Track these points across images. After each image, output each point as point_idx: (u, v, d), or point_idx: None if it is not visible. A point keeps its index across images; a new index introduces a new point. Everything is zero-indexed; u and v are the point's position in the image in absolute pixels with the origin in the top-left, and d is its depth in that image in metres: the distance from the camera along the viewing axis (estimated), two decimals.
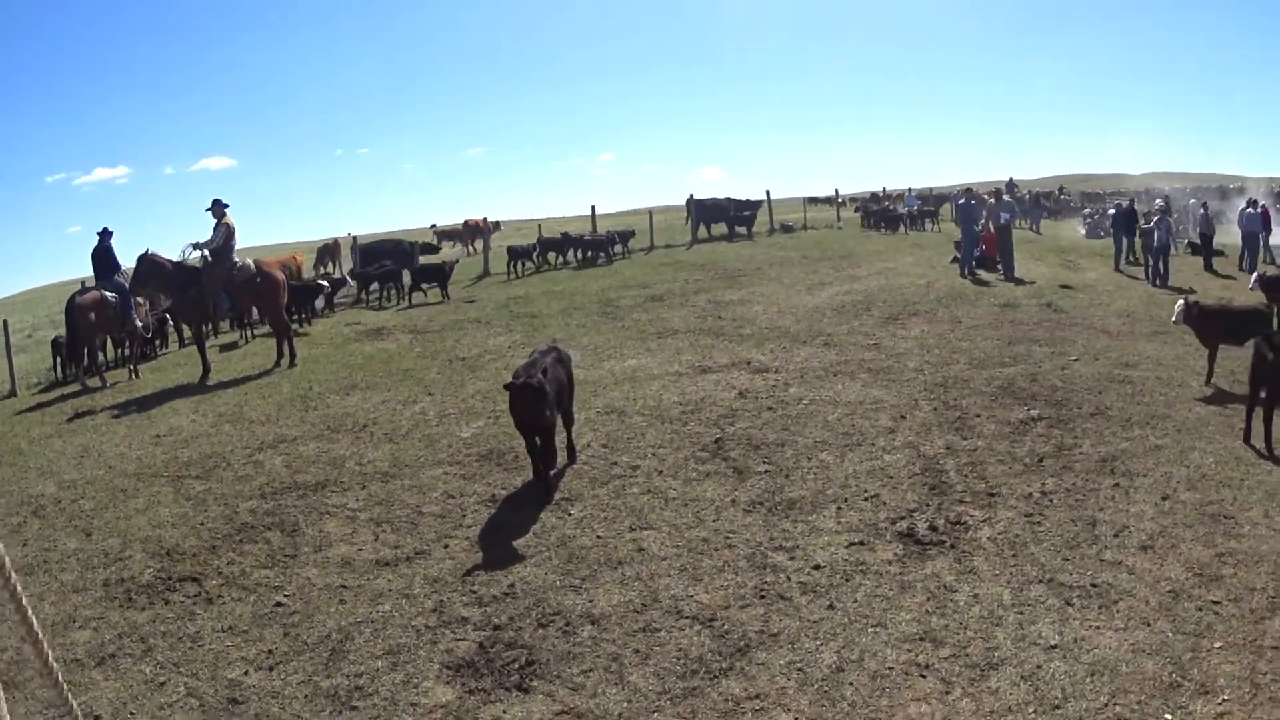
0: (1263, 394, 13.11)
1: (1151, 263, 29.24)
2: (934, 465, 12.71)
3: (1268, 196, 43.88)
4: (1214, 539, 10.36)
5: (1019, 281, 27.71)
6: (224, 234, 20.69)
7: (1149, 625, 8.80)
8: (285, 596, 9.87)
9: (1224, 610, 8.98)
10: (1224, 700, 7.64)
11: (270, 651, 8.90)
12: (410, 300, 30.39)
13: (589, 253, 37.51)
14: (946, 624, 8.94)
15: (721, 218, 44.65)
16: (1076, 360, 17.73)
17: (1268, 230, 32.21)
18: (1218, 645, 8.43)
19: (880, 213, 48.00)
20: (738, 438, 13.80)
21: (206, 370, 20.32)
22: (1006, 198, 33.99)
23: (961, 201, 32.20)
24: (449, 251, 43.59)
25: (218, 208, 20.77)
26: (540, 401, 11.36)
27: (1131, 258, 32.17)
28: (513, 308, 26.72)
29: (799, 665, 8.27)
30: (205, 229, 20.97)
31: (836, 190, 53.99)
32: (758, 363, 18.14)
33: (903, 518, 11.20)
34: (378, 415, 15.92)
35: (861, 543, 10.63)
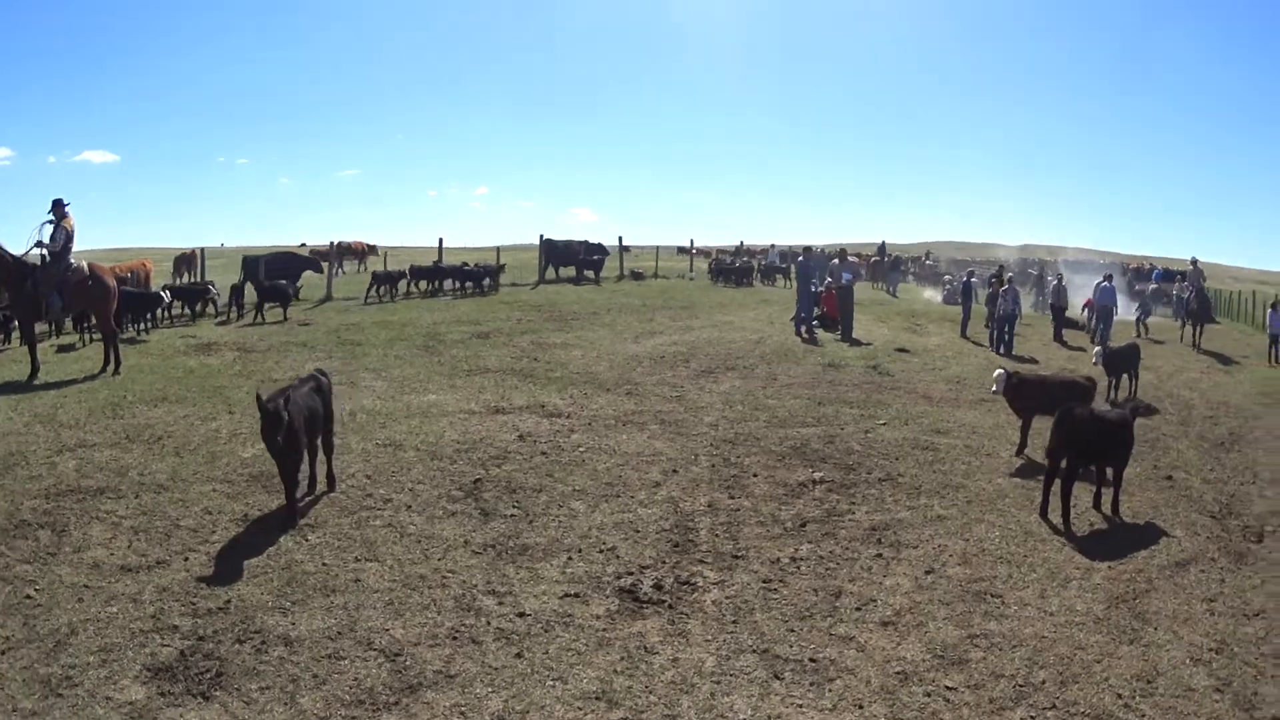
0: (1062, 466, 12.79)
1: (995, 331, 29.47)
2: (687, 523, 12.03)
3: (1119, 275, 44.89)
4: (971, 619, 9.84)
5: (855, 343, 27.45)
6: (64, 237, 20.07)
7: (861, 709, 8.12)
8: (35, 590, 9.94)
9: (957, 697, 8.37)
10: None
11: (7, 639, 8.94)
12: (260, 315, 29.83)
13: (464, 283, 38.30)
14: (631, 686, 8.33)
15: (571, 260, 44.55)
16: (884, 424, 17.29)
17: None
18: None
19: (729, 267, 48.40)
20: (498, 480, 13.41)
21: (35, 369, 19.73)
22: (853, 258, 33.72)
23: (800, 260, 32.07)
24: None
25: (58, 208, 20.05)
26: (275, 428, 11.32)
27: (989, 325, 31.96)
28: (342, 334, 26.09)
29: (463, 709, 7.95)
30: (80, 221, 20.31)
31: (691, 241, 54.31)
32: (552, 407, 17.61)
33: (631, 573, 10.60)
34: (175, 428, 15.75)
35: (577, 595, 10.09)
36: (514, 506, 12.40)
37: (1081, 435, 12.78)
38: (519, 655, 8.76)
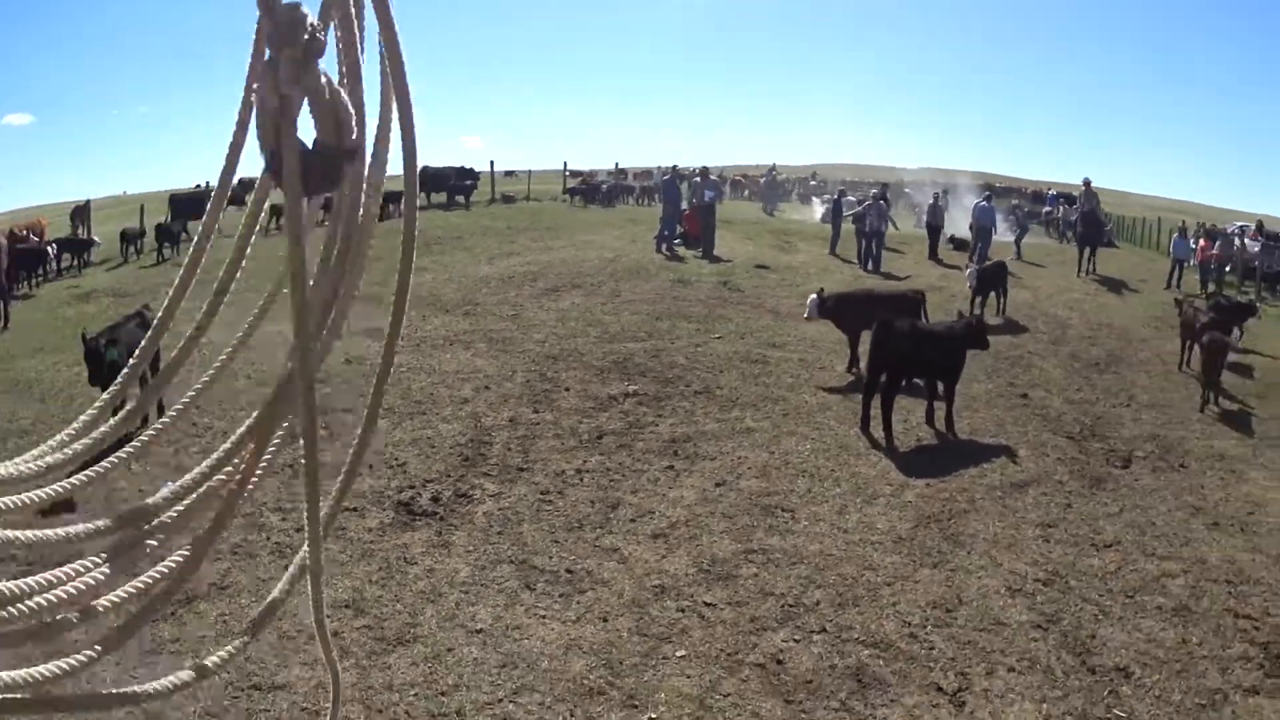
0: (881, 379, 12.78)
1: (862, 246, 29.19)
2: (484, 437, 11.96)
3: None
4: (752, 533, 9.72)
5: (715, 260, 27.14)
6: None
7: (605, 621, 8.05)
8: None
9: (713, 614, 8.28)
10: None
11: None
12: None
13: None
14: (381, 595, 8.37)
15: (443, 186, 43.59)
16: (718, 338, 17.18)
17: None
18: (679, 654, 7.67)
19: (594, 187, 48.18)
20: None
21: None
22: (714, 177, 33.37)
23: (666, 179, 32.03)
24: None
25: None
26: (96, 362, 11.90)
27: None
28: (214, 274, 25.39)
29: (226, 618, 8.01)
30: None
31: (565, 164, 53.51)
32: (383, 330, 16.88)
33: (413, 487, 10.57)
34: (45, 375, 16.03)
35: (356, 509, 10.04)
36: (321, 428, 12.05)
37: (901, 348, 12.76)
38: (286, 568, 8.53)
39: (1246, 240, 38.14)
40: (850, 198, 31.96)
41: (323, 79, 1.36)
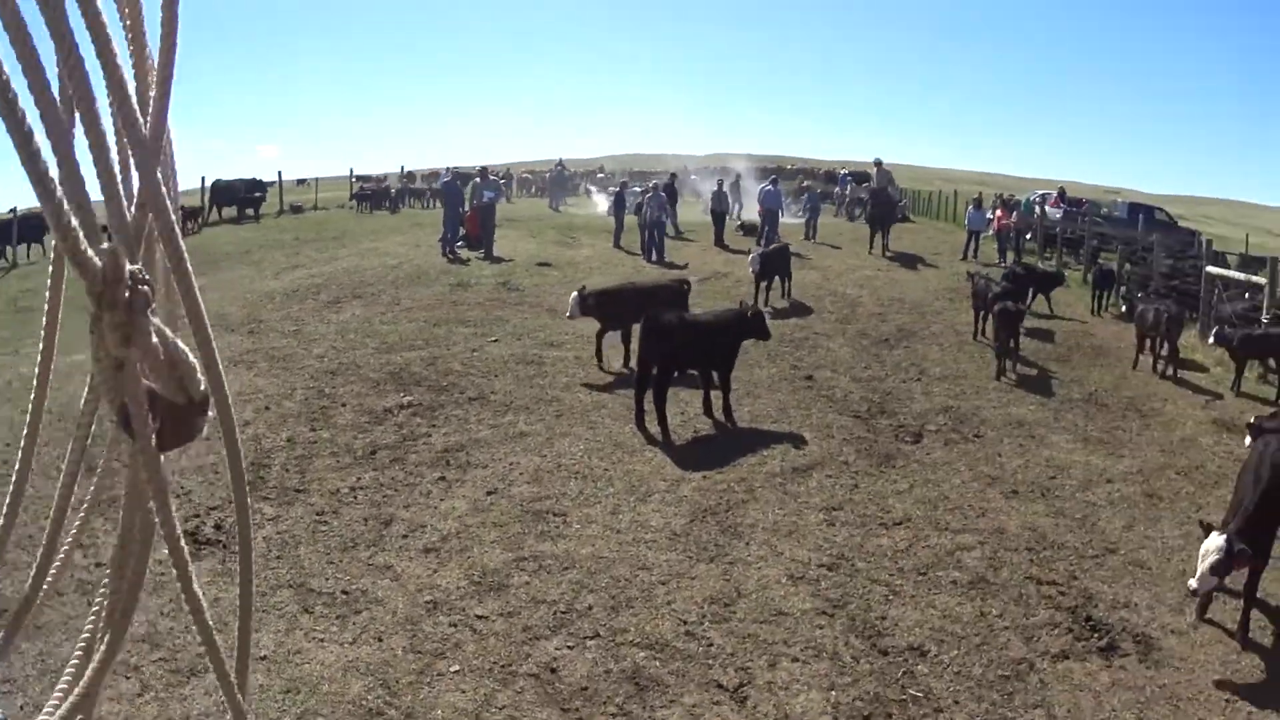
0: (652, 372, 13.05)
1: (645, 237, 29.48)
2: (263, 459, 11.96)
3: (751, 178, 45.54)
4: (524, 541, 9.96)
5: (497, 260, 27.35)
6: None
7: (380, 641, 8.27)
8: None
9: (486, 626, 8.52)
10: None
11: None
12: None
13: None
14: (173, 627, 8.24)
15: (233, 199, 43.03)
16: (495, 341, 17.44)
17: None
18: (453, 670, 7.91)
19: (372, 193, 48.13)
20: (100, 436, 12.67)
21: None
22: (494, 177, 33.54)
23: (446, 181, 32.34)
24: None
25: None
26: None
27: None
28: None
29: (44, 657, 7.73)
30: None
31: (351, 170, 52.86)
32: None
33: (198, 516, 10.49)
34: None
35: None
36: (116, 460, 12.00)
37: (669, 340, 12.96)
38: (89, 604, 8.55)
39: (1048, 208, 39.62)
40: (635, 189, 32.17)
41: (154, 336, 1.17)
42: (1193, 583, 8.24)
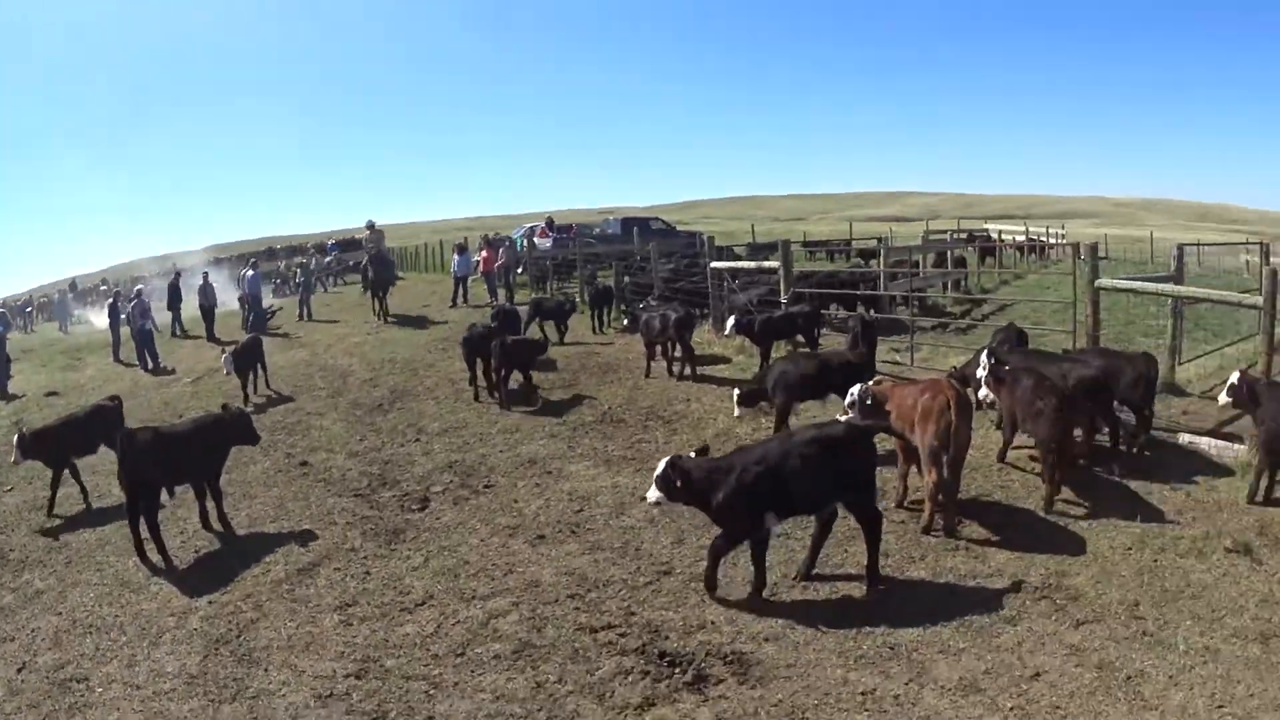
0: (138, 497, 12.14)
1: (137, 348, 28.32)
2: None
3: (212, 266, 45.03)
4: (57, 715, 8.94)
5: (11, 398, 25.60)
6: None
7: None
8: None
9: None
10: None
11: None
12: None
13: None
14: None
15: None
16: (10, 490, 15.87)
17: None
18: None
19: None
20: None
21: None
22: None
23: None
24: None
25: None
26: None
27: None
28: None
29: None
30: None
31: None
32: None
33: None
34: None
35: None
36: None
37: (148, 461, 12.14)
38: None
39: (536, 239, 40.26)
40: (134, 296, 30.99)
41: None
42: None
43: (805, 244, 40.72)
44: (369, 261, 33.54)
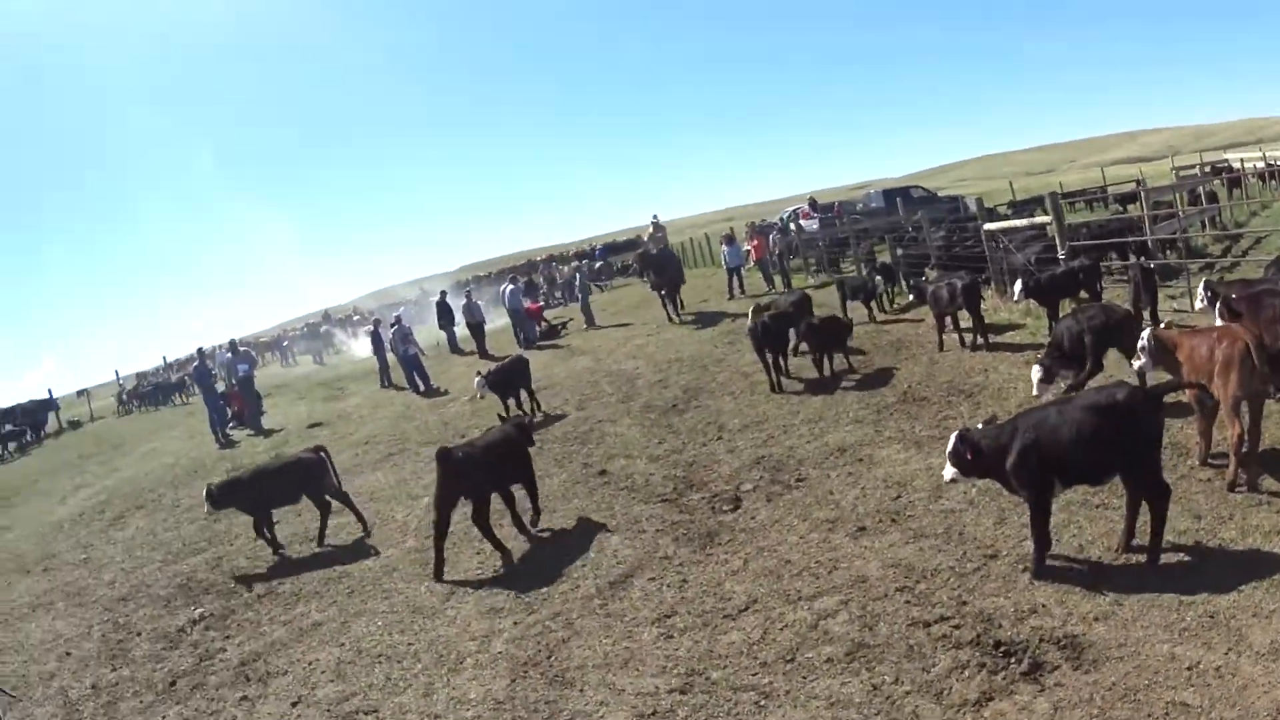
0: (448, 513, 11.79)
1: (406, 372, 28.29)
2: (72, 715, 10.55)
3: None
4: None
5: (268, 433, 26.11)
6: None
7: None
8: None
9: None
10: None
11: None
12: None
13: None
14: None
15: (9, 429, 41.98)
16: (275, 523, 15.13)
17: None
18: None
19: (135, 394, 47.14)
20: None
21: None
22: (243, 349, 32.02)
23: (196, 365, 30.62)
24: None
25: None
26: None
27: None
28: None
29: None
30: None
31: (117, 372, 51.35)
32: None
33: None
34: None
35: None
36: None
37: (470, 474, 11.75)
38: None
39: (802, 222, 39.27)
40: (394, 322, 31.10)
41: None
42: None
43: (1063, 195, 39.11)
44: (647, 261, 31.61)
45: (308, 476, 14.25)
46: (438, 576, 11.64)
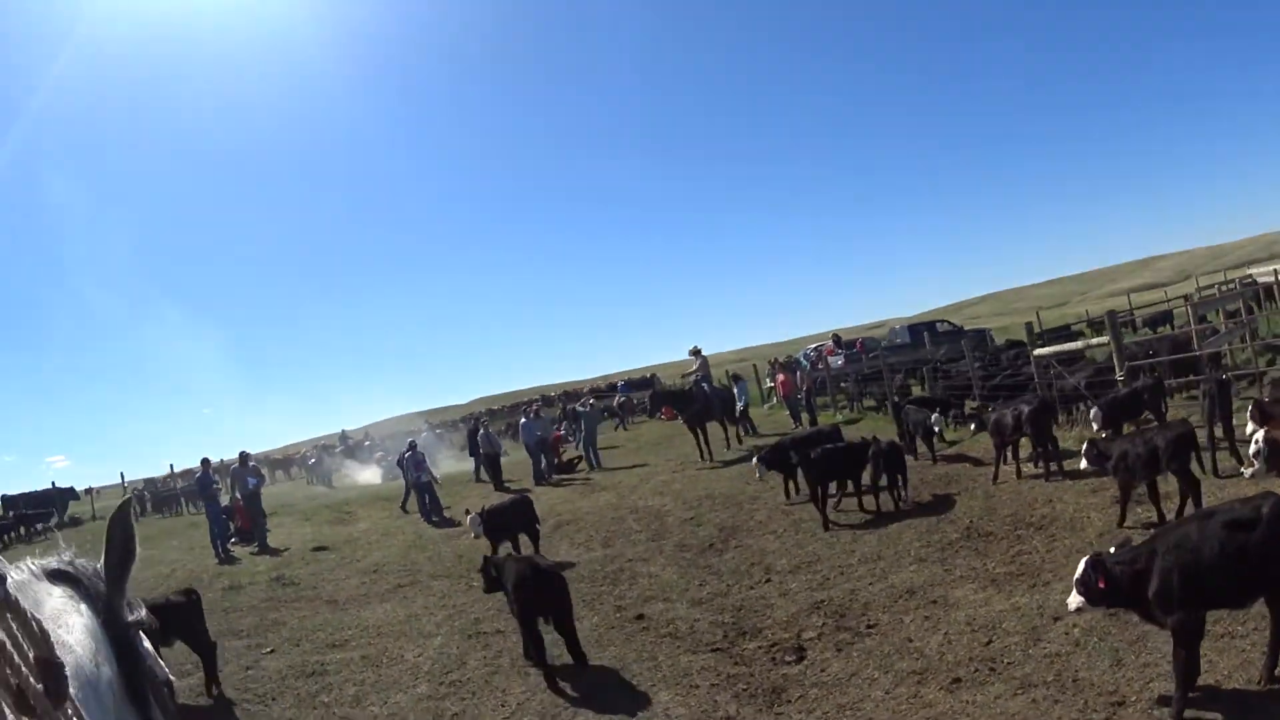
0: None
1: (418, 498, 27.54)
2: None
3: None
4: None
5: (273, 552, 24.50)
6: None
7: None
8: None
9: None
10: None
11: None
12: None
13: None
14: None
15: (22, 521, 40.54)
16: (270, 652, 14.12)
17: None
18: None
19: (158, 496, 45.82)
20: None
21: None
22: (252, 463, 30.79)
23: (199, 475, 28.89)
24: None
25: None
26: None
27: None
28: None
29: None
30: None
31: (122, 474, 51.29)
32: None
33: None
34: None
35: None
36: None
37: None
38: None
39: (828, 358, 38.64)
40: (407, 449, 29.77)
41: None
42: None
43: (1089, 323, 38.35)
44: (711, 391, 29.80)
45: (180, 620, 12.98)
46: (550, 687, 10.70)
